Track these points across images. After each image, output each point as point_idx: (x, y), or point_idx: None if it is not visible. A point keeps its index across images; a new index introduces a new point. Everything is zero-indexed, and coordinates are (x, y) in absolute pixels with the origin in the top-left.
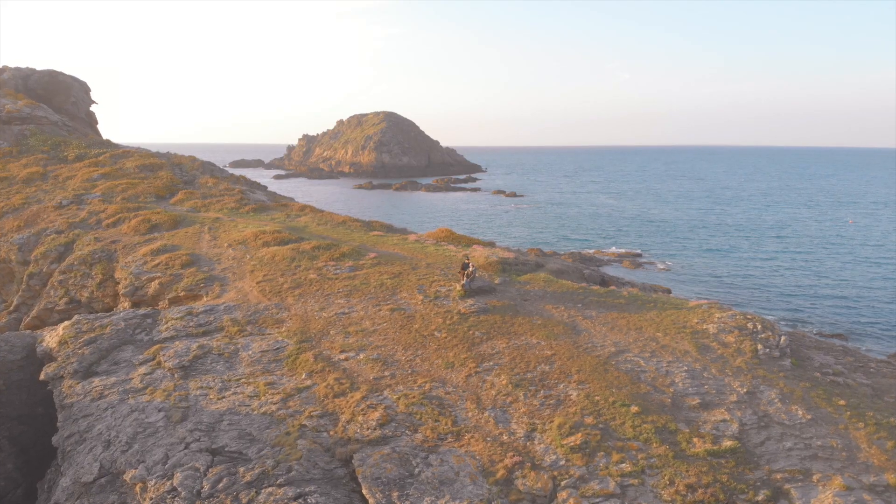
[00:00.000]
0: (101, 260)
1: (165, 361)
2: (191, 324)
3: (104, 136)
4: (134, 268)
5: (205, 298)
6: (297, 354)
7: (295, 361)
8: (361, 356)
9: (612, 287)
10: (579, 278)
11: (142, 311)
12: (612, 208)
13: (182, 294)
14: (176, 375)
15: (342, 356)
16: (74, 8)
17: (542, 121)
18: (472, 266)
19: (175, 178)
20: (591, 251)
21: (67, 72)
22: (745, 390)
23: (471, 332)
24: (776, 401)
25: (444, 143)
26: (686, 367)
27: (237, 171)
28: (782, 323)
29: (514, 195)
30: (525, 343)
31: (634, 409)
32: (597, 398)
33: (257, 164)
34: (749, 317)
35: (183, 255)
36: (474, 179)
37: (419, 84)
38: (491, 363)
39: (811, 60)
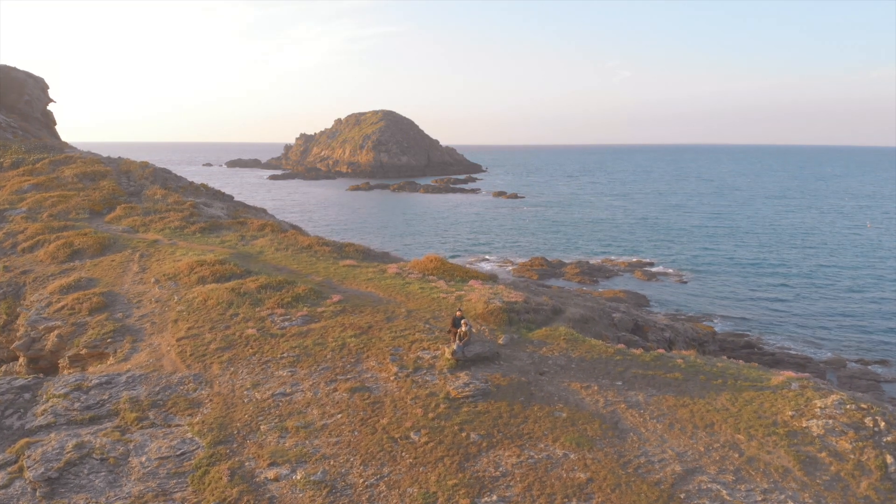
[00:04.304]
0: (7, 296)
1: (29, 468)
2: (76, 404)
3: (93, 137)
4: (34, 312)
5: (110, 359)
6: (207, 466)
7: (203, 479)
8: (299, 475)
9: (660, 350)
10: (608, 325)
11: (19, 380)
12: (617, 211)
13: (84, 351)
14: (38, 492)
15: (271, 473)
16: (72, 7)
17: (542, 119)
18: (467, 323)
19: (118, 189)
20: (599, 260)
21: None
22: None
23: (463, 435)
24: None
25: (443, 143)
26: (792, 502)
27: (234, 171)
28: (819, 349)
29: (515, 196)
30: (545, 457)
31: None
32: None
33: (254, 163)
34: (864, 406)
35: (96, 294)
36: (474, 179)
37: (419, 83)
38: (494, 497)
39: (813, 58)
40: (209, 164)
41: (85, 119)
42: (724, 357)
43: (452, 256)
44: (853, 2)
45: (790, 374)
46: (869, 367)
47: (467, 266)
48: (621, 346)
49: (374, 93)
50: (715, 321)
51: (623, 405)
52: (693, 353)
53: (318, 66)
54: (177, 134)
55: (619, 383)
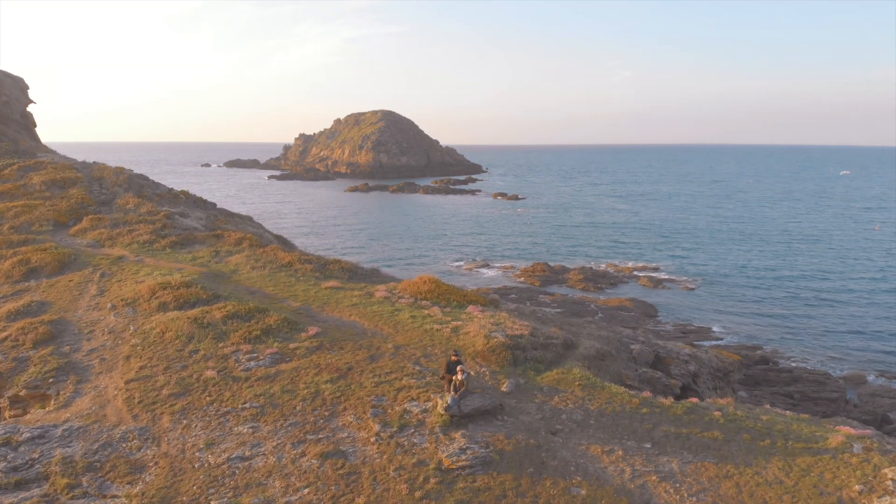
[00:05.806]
0: None
1: None
2: (2, 464)
3: (93, 137)
4: None
5: (52, 402)
6: None
7: None
8: None
9: (693, 400)
10: (627, 360)
11: None
12: (620, 214)
13: (23, 393)
14: None
15: None
16: (74, 4)
17: (543, 119)
18: (464, 371)
19: (87, 198)
20: (604, 266)
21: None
22: None
23: None
24: None
25: (443, 143)
26: None
27: (232, 171)
28: (836, 362)
29: (515, 198)
30: None
31: None
32: None
33: (253, 164)
34: None
35: (43, 323)
36: (474, 180)
37: (419, 83)
38: None
39: (814, 58)
40: (207, 165)
41: (84, 119)
42: (767, 406)
43: (454, 261)
44: (853, 2)
45: (849, 430)
46: (891, 382)
47: (467, 274)
48: (647, 393)
49: (374, 93)
50: (726, 333)
51: (654, 477)
52: (731, 401)
53: (318, 66)
54: (176, 134)
55: (648, 446)
